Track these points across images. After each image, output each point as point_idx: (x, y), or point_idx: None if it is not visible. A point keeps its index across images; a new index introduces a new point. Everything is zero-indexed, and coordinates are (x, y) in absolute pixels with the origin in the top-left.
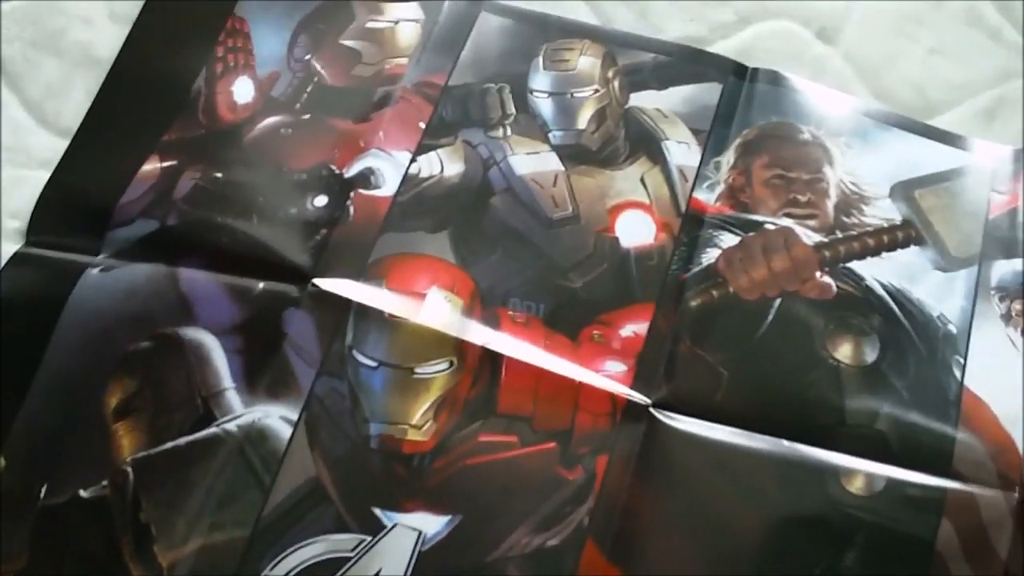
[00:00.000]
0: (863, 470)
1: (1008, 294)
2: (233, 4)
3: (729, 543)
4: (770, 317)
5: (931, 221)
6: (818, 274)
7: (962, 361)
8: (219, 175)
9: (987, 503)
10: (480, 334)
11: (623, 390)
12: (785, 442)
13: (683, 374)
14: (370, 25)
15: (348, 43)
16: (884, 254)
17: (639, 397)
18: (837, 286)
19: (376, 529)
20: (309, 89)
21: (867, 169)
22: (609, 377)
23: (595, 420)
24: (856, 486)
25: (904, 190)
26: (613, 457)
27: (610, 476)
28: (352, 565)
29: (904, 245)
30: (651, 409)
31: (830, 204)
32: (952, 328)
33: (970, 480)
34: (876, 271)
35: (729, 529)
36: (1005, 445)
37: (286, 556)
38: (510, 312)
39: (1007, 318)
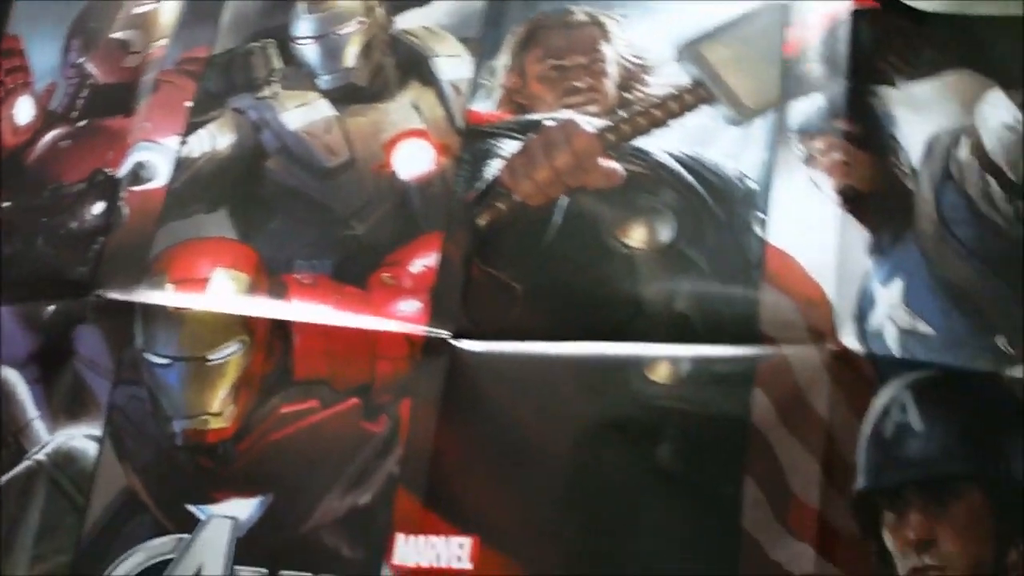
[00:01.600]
0: (666, 356)
1: (809, 134)
2: (3, 22)
3: (542, 465)
4: (558, 219)
5: (720, 75)
6: (600, 160)
7: (763, 217)
8: (7, 204)
9: (800, 362)
10: (267, 306)
11: (417, 328)
12: (585, 344)
13: (478, 298)
14: (137, 11)
15: (117, 35)
16: (673, 122)
17: (437, 332)
18: (625, 169)
19: (192, 526)
20: (84, 94)
21: (648, 37)
22: (404, 318)
23: (395, 366)
24: (661, 375)
25: (691, 50)
26: (417, 399)
27: (416, 420)
28: (174, 566)
29: (693, 108)
30: (451, 341)
31: (610, 83)
32: (752, 184)
33: (780, 341)
34: (664, 143)
35: (540, 451)
36: (813, 296)
37: (110, 573)
38: (296, 276)
39: (809, 160)
